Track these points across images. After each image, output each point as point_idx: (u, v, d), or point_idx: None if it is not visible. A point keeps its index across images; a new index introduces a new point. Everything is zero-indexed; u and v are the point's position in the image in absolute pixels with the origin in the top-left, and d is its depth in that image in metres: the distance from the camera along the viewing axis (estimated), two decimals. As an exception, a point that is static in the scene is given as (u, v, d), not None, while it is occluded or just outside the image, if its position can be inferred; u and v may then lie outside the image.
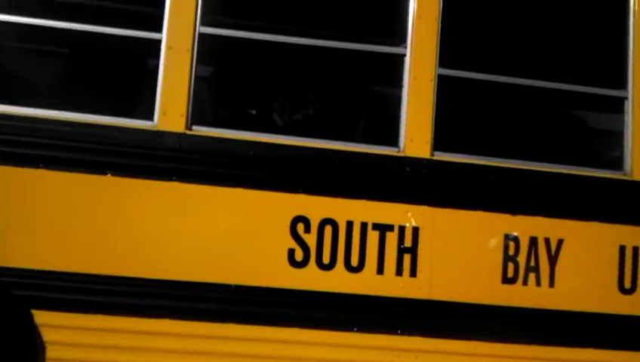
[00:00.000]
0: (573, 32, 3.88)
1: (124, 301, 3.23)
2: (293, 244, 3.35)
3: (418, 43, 3.50)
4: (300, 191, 3.37)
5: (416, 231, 3.46)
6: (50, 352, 3.21)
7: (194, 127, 3.35)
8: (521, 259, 3.55)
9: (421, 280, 3.44)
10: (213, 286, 3.29)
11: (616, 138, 3.77)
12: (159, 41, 3.31)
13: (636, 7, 3.71)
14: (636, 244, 3.59)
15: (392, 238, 3.43)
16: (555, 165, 3.64)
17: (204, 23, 3.35)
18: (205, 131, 3.37)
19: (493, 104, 3.93)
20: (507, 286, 3.52)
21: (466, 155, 3.56)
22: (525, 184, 3.56)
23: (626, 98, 3.68)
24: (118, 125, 3.30)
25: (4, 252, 3.18)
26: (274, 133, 3.55)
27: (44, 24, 3.34)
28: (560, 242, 3.58)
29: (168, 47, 3.31)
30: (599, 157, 4.02)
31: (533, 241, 3.56)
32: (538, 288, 3.55)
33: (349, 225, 3.40)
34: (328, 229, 3.39)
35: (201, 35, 3.34)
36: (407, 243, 3.44)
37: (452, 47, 3.54)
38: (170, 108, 3.31)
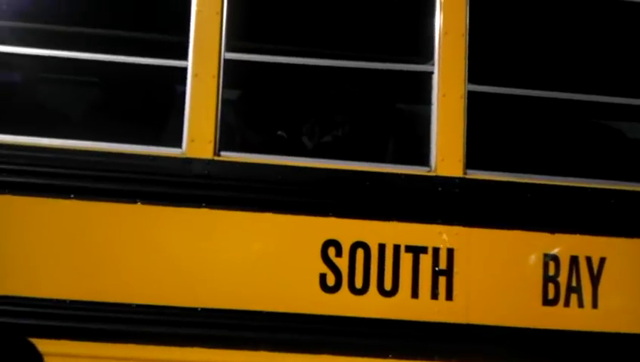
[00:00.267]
0: (605, 40, 3.77)
1: (155, 330, 3.22)
2: (325, 269, 3.30)
3: (446, 60, 3.44)
4: (330, 214, 3.33)
5: (450, 252, 3.37)
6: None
7: (222, 153, 3.35)
8: (562, 279, 3.44)
9: (457, 304, 3.35)
10: (245, 313, 3.25)
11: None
12: (185, 69, 3.30)
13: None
14: None
15: (426, 260, 3.35)
16: (594, 180, 3.51)
17: (229, 49, 3.35)
18: (233, 156, 3.36)
19: (527, 119, 3.84)
20: (548, 308, 3.40)
21: (500, 173, 3.48)
22: (563, 201, 3.45)
23: (665, 108, 3.55)
24: (146, 153, 3.32)
25: (30, 282, 3.18)
26: (302, 156, 3.50)
27: (72, 56, 3.38)
28: (602, 261, 3.45)
29: (194, 75, 3.32)
30: (640, 170, 3.88)
31: (573, 260, 3.45)
32: (581, 309, 3.43)
33: (382, 247, 3.34)
34: (360, 253, 3.33)
35: (226, 60, 3.33)
36: (442, 265, 3.36)
37: (481, 62, 3.47)
38: (198, 134, 3.31)
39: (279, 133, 3.91)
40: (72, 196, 3.24)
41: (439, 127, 3.42)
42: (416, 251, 3.37)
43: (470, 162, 3.43)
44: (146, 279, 3.25)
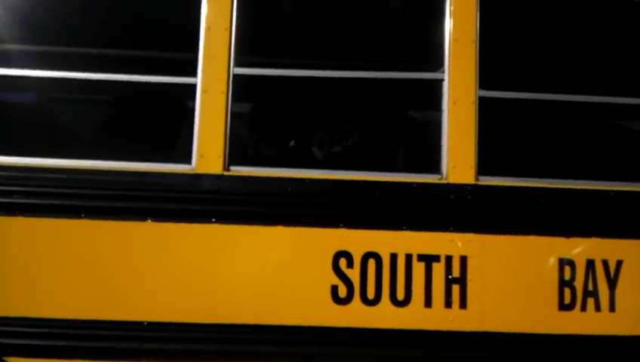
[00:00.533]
0: (616, 42, 3.72)
1: (167, 347, 3.25)
2: (336, 280, 3.31)
3: (456, 67, 3.43)
4: (341, 225, 3.33)
5: (464, 260, 3.36)
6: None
7: (231, 168, 3.37)
8: (578, 283, 3.41)
9: (472, 312, 3.33)
10: (257, 327, 3.27)
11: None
12: (195, 86, 3.32)
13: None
14: None
15: (438, 269, 3.34)
16: (609, 182, 3.47)
17: (238, 64, 3.36)
18: (242, 171, 3.38)
19: (539, 123, 3.80)
20: (564, 313, 3.37)
21: (513, 178, 3.45)
22: (578, 204, 3.42)
23: (683, 107, 3.49)
24: (156, 171, 3.34)
25: (36, 302, 3.23)
26: (312, 167, 3.51)
27: (82, 77, 3.43)
28: (619, 263, 3.40)
29: (204, 91, 3.35)
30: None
31: (590, 264, 3.41)
32: (598, 313, 3.38)
33: (393, 257, 3.34)
34: (372, 263, 3.33)
35: (235, 76, 3.35)
36: (455, 273, 3.35)
37: (492, 68, 3.44)
38: (207, 150, 3.34)
39: (291, 144, 3.92)
40: (83, 216, 3.26)
41: (450, 134, 3.41)
42: (429, 260, 3.36)
43: (482, 168, 3.40)
44: (158, 296, 3.27)
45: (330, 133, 3.91)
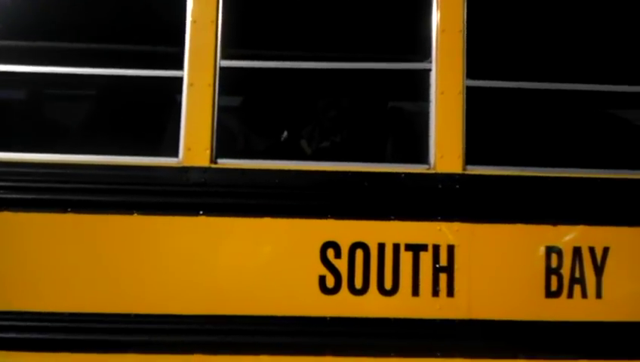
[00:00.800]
0: (607, 28, 3.72)
1: (155, 339, 3.27)
2: (324, 271, 3.33)
3: (443, 57, 3.44)
4: (329, 216, 3.36)
5: (451, 249, 3.38)
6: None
7: (219, 160, 3.38)
8: (565, 270, 3.43)
9: (459, 300, 3.36)
10: (245, 318, 3.29)
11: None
12: (181, 79, 3.33)
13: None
14: None
15: (426, 258, 3.37)
16: (595, 170, 3.49)
17: (224, 57, 3.37)
18: (230, 163, 3.39)
19: (528, 111, 3.81)
20: (551, 301, 3.40)
21: (500, 167, 3.46)
22: (565, 192, 3.45)
23: (667, 93, 3.50)
24: (143, 164, 3.36)
25: (23, 296, 3.26)
26: (300, 159, 3.51)
27: (68, 71, 3.43)
28: (606, 250, 3.43)
29: (190, 84, 3.35)
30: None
31: (576, 251, 3.43)
32: (584, 300, 3.42)
33: (381, 247, 3.36)
34: (359, 253, 3.35)
35: (222, 69, 3.35)
36: (443, 262, 3.37)
37: (480, 57, 3.45)
38: (195, 143, 3.35)
39: (283, 137, 3.93)
40: (69, 210, 3.27)
41: (438, 124, 3.42)
42: (417, 249, 3.38)
43: (470, 158, 3.42)
44: (145, 289, 3.30)
45: (320, 127, 3.91)
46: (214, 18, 3.38)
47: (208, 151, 3.35)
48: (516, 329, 3.39)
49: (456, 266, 3.38)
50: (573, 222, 3.46)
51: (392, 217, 3.38)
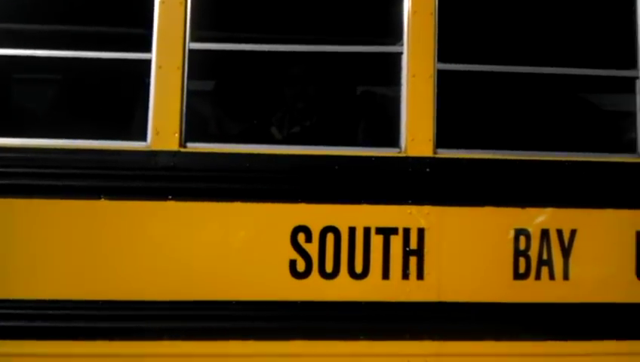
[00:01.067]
0: (577, 13, 3.73)
1: (122, 325, 3.25)
2: (295, 255, 3.34)
3: (415, 40, 3.43)
4: (300, 200, 3.35)
5: (421, 232, 3.40)
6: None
7: (188, 144, 3.35)
8: (533, 253, 3.47)
9: (429, 283, 3.39)
10: (214, 303, 3.28)
11: (630, 120, 3.63)
12: (149, 61, 3.28)
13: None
14: None
15: (396, 241, 3.39)
16: (564, 153, 3.53)
17: (193, 39, 3.32)
18: (199, 147, 3.36)
19: (498, 95, 3.83)
20: (519, 282, 3.45)
21: (471, 150, 3.48)
22: (534, 175, 3.48)
23: (637, 78, 3.53)
24: (110, 148, 3.31)
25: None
26: (270, 143, 3.49)
27: (34, 54, 3.36)
28: (573, 233, 3.48)
29: (158, 67, 3.30)
30: (614, 141, 3.88)
31: (544, 234, 3.48)
32: (552, 281, 3.47)
33: (352, 231, 3.37)
34: (330, 237, 3.36)
35: (191, 51, 3.31)
36: (413, 245, 3.40)
37: (451, 40, 3.45)
38: (163, 127, 3.31)
39: (255, 122, 3.90)
40: (35, 195, 3.23)
41: (409, 108, 3.42)
42: (387, 233, 3.40)
43: (441, 141, 3.42)
44: (113, 274, 3.27)
45: (288, 111, 3.88)
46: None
47: (177, 135, 3.31)
48: (485, 311, 3.42)
49: (426, 249, 3.41)
50: (542, 205, 3.48)
51: (363, 201, 3.39)
